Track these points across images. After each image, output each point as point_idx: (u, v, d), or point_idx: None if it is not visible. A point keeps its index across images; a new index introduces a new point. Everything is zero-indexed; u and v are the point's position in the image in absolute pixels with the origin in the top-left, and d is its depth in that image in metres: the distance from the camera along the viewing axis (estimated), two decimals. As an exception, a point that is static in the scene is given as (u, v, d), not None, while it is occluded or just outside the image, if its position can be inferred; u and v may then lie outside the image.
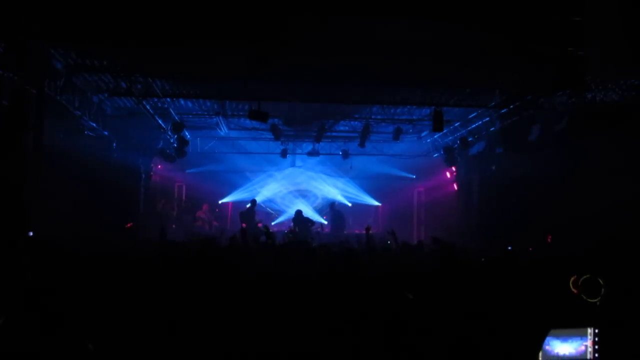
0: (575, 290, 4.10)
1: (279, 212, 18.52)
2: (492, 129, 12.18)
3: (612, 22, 6.49)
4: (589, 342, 3.28)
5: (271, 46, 7.44)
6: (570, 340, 3.26)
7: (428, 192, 18.15)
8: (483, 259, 6.59)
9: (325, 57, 8.07)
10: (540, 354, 3.13)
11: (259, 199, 15.98)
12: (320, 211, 17.81)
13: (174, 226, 16.05)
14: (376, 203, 18.92)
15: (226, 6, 6.42)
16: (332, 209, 16.09)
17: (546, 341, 3.15)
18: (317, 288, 3.95)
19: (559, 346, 3.23)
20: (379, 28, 7.04)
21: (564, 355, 3.24)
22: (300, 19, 6.69)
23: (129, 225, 11.46)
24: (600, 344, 3.26)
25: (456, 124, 13.05)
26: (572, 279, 4.18)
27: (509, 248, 7.82)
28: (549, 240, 10.02)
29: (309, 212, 17.22)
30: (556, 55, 7.63)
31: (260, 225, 13.93)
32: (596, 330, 3.27)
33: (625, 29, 6.41)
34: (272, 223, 16.94)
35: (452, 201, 15.49)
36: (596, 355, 3.24)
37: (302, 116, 12.78)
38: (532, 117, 10.75)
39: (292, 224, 14.15)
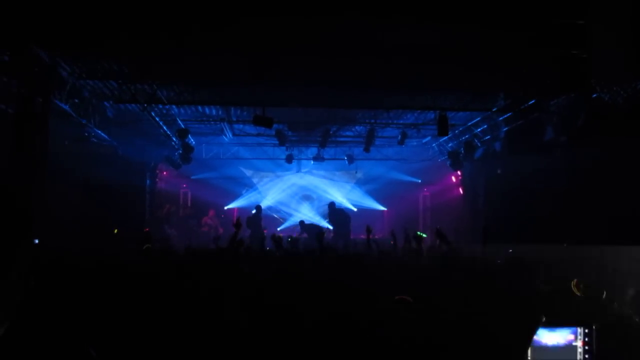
0: (577, 292, 4.11)
1: (285, 218, 18.50)
2: (498, 132, 12.13)
3: (617, 23, 6.45)
4: (579, 342, 3.19)
5: (275, 51, 7.46)
6: (558, 330, 3.15)
7: (434, 196, 18.11)
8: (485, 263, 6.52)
9: (330, 62, 8.07)
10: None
11: (264, 204, 15.96)
12: (325, 216, 17.80)
13: (174, 231, 16.05)
14: (382, 208, 18.87)
15: (229, 8, 6.43)
16: (331, 209, 15.02)
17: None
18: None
19: (546, 335, 3.12)
20: (384, 31, 7.03)
21: (552, 345, 3.14)
22: (303, 23, 6.70)
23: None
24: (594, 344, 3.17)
25: (461, 128, 13.01)
26: (574, 282, 4.19)
27: (510, 251, 7.77)
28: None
29: (314, 218, 17.22)
30: (561, 57, 7.59)
31: (265, 231, 13.91)
32: (586, 330, 3.18)
33: (630, 31, 6.37)
34: (278, 229, 16.91)
35: (458, 205, 15.45)
36: (586, 356, 3.16)
37: (306, 121, 12.79)
38: (537, 120, 10.69)
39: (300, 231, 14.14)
